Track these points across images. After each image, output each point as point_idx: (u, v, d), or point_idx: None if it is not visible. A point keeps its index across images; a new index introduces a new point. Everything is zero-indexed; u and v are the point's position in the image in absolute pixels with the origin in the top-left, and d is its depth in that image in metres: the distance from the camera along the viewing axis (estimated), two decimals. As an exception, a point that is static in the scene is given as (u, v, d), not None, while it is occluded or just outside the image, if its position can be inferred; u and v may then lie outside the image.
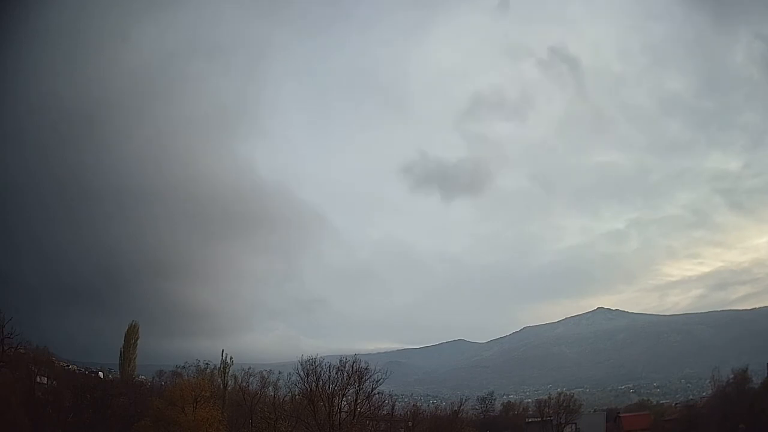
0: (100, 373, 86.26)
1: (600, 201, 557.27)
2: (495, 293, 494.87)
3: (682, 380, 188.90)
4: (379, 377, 55.61)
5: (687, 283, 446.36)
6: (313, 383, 53.06)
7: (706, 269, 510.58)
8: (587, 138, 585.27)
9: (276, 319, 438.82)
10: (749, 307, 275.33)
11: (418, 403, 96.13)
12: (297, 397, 58.73)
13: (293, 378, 56.59)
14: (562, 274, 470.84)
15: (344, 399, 54.90)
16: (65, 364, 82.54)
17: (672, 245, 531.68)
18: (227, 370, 67.98)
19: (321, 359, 55.92)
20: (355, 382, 53.99)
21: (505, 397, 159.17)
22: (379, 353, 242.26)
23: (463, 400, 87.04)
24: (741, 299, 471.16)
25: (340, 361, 54.75)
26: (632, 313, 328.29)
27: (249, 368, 69.40)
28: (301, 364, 53.92)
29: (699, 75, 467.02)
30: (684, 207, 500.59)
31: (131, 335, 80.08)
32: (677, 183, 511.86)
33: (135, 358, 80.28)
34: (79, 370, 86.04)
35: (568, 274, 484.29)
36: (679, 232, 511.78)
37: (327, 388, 53.27)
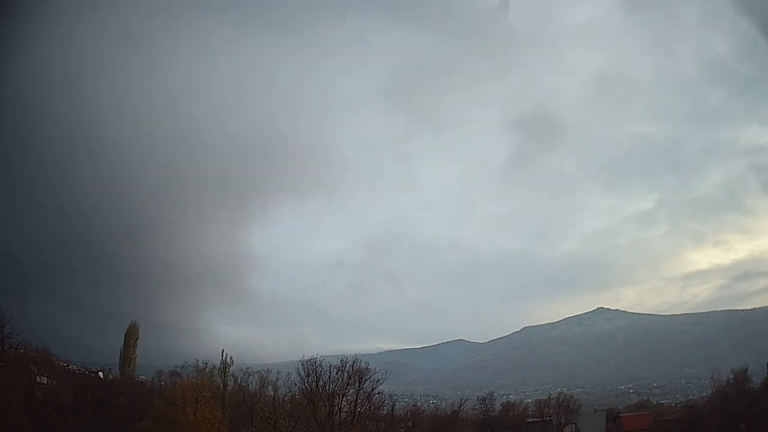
0: (100, 373, 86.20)
1: (629, 177, 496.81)
2: (508, 286, 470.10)
3: (682, 380, 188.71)
4: (379, 377, 55.66)
5: (711, 273, 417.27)
6: (314, 383, 53.06)
7: (733, 256, 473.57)
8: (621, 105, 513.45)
9: (273, 318, 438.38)
10: (749, 307, 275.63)
11: (418, 403, 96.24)
12: (297, 397, 58.72)
13: (293, 378, 56.66)
14: (584, 261, 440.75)
15: (344, 399, 54.92)
16: (65, 364, 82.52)
17: (700, 230, 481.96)
18: (227, 370, 67.95)
19: (321, 359, 55.97)
20: (355, 382, 54.01)
21: (505, 397, 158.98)
22: (379, 353, 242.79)
23: (463, 400, 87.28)
24: (762, 291, 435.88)
25: (341, 361, 54.75)
26: (632, 313, 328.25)
27: (248, 368, 69.35)
28: (302, 364, 53.97)
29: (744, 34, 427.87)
30: (717, 186, 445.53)
31: (131, 335, 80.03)
32: (711, 157, 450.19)
33: (135, 358, 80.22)
34: (79, 370, 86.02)
35: (590, 262, 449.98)
36: (709, 215, 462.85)
37: (327, 388, 53.30)
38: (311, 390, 53.30)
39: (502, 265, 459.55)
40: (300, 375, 54.19)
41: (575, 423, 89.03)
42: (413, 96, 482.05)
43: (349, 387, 54.39)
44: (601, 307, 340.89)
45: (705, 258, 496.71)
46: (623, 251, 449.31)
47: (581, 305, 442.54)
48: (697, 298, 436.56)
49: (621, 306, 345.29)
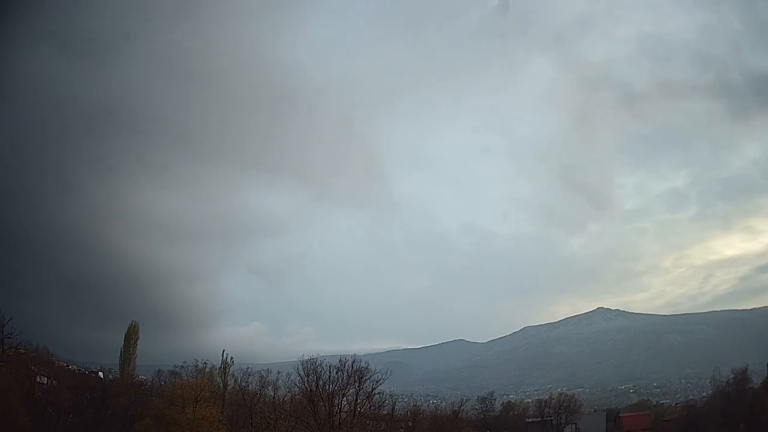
0: (100, 373, 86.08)
1: (661, 150, 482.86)
2: (521, 278, 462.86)
3: (682, 380, 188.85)
4: (380, 377, 55.57)
5: (736, 262, 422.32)
6: (314, 383, 52.98)
7: (763, 241, 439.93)
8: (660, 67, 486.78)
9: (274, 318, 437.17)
10: (749, 307, 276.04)
11: (418, 403, 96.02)
12: (297, 396, 58.67)
13: (293, 378, 56.57)
14: (609, 249, 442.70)
15: (344, 399, 54.84)
16: (65, 364, 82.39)
17: (730, 213, 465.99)
18: (227, 370, 67.99)
19: (321, 359, 55.86)
20: (355, 382, 53.93)
21: (505, 397, 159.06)
22: (379, 353, 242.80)
23: (463, 400, 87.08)
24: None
25: (340, 361, 54.69)
26: (632, 313, 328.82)
27: (248, 368, 69.36)
28: (302, 364, 53.87)
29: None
30: (753, 163, 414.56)
31: (131, 335, 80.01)
32: (748, 129, 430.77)
33: (135, 358, 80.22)
34: (79, 370, 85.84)
35: (614, 250, 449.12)
36: (741, 196, 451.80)
37: (327, 387, 53.20)
38: (311, 390, 53.20)
39: (518, 253, 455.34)
40: (300, 375, 54.05)
41: (575, 423, 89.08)
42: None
43: (349, 387, 54.30)
44: (601, 307, 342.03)
45: (732, 244, 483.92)
46: (650, 237, 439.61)
47: (582, 305, 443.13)
48: (717, 289, 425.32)
49: (621, 306, 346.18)
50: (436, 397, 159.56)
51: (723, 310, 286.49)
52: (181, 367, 74.92)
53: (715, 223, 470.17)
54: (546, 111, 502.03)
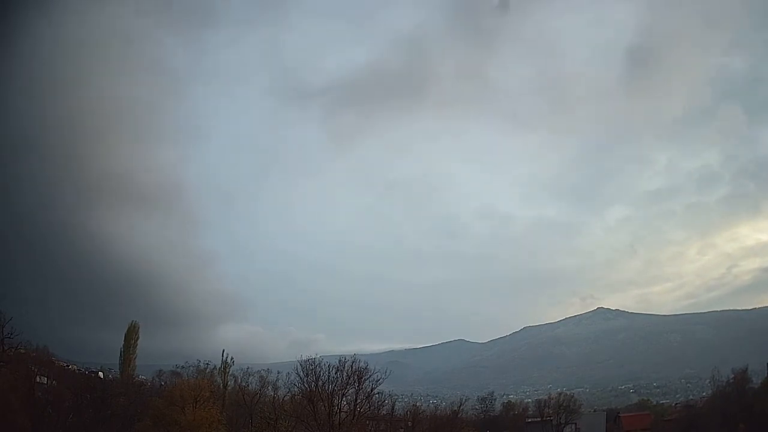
0: (100, 373, 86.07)
1: (695, 122, 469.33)
2: (540, 269, 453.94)
3: (682, 380, 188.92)
4: (379, 377, 55.50)
5: (763, 249, 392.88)
6: (313, 383, 52.93)
7: None
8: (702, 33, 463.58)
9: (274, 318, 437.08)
10: (749, 307, 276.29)
11: (418, 403, 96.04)
12: (297, 397, 58.64)
13: (293, 378, 56.52)
14: (634, 234, 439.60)
15: (344, 399, 54.78)
16: (65, 364, 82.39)
17: (761, 196, 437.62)
18: (227, 370, 68.06)
19: (320, 359, 55.83)
20: (354, 382, 53.87)
21: (505, 397, 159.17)
22: (379, 353, 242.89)
23: (463, 400, 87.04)
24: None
25: (339, 360, 54.61)
26: (632, 313, 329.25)
27: (248, 368, 69.44)
28: (301, 364, 53.82)
29: None
30: None
31: (131, 335, 80.00)
32: None
33: (135, 358, 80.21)
34: (79, 370, 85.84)
35: (639, 236, 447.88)
36: None
37: (326, 388, 53.15)
38: (311, 390, 53.14)
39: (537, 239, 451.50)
40: (299, 375, 53.97)
41: (575, 423, 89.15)
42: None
43: (348, 387, 54.22)
44: (601, 307, 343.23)
45: (762, 229, 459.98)
46: (677, 221, 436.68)
47: (582, 305, 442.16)
48: (738, 280, 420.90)
49: (621, 306, 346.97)
50: (436, 397, 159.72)
51: (723, 310, 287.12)
52: (182, 367, 75.04)
53: (745, 206, 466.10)
54: (572, 83, 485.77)
